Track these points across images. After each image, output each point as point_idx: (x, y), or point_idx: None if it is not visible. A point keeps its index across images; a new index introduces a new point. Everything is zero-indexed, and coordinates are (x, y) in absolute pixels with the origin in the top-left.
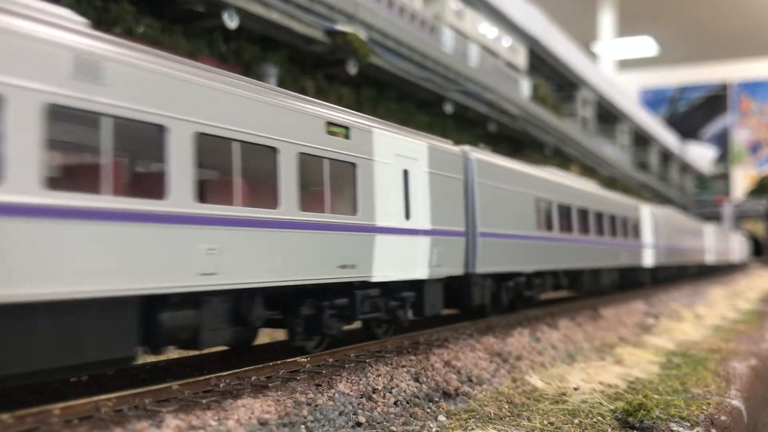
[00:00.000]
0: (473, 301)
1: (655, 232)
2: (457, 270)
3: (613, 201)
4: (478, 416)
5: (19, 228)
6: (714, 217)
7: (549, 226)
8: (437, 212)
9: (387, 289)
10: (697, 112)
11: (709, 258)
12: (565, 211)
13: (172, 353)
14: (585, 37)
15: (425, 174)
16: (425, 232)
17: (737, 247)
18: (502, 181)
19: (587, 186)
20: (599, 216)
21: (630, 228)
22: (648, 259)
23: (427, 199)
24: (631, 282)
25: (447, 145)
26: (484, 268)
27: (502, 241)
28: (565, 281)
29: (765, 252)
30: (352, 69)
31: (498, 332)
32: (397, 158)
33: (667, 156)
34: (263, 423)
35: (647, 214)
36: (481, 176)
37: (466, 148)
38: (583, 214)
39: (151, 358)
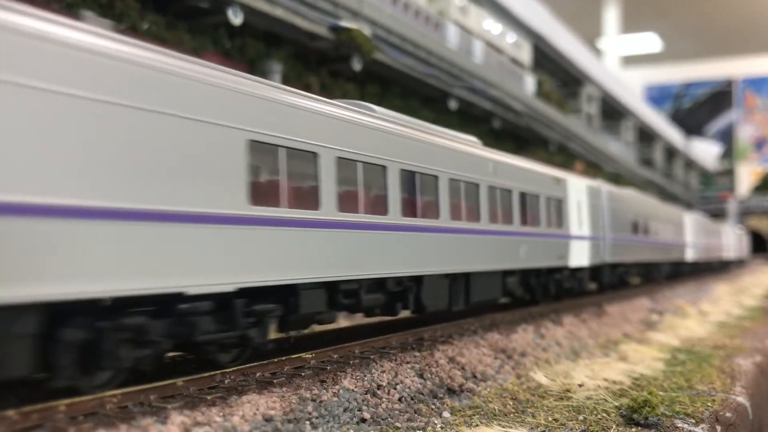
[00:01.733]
0: None
1: (593, 217)
2: None
3: (508, 167)
4: (482, 412)
5: None
6: (719, 213)
7: (303, 199)
8: None
9: None
10: (701, 108)
11: (692, 255)
12: (369, 176)
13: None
14: (589, 34)
15: None
16: None
17: (733, 243)
18: (93, 87)
19: (447, 140)
20: (472, 189)
21: (547, 211)
22: (580, 257)
23: None
24: (550, 291)
25: None
26: None
27: (70, 224)
28: (373, 299)
29: None
30: (357, 65)
31: (502, 329)
32: None
33: (671, 152)
34: (268, 419)
35: (581, 191)
36: None
37: None
38: (427, 183)
39: None
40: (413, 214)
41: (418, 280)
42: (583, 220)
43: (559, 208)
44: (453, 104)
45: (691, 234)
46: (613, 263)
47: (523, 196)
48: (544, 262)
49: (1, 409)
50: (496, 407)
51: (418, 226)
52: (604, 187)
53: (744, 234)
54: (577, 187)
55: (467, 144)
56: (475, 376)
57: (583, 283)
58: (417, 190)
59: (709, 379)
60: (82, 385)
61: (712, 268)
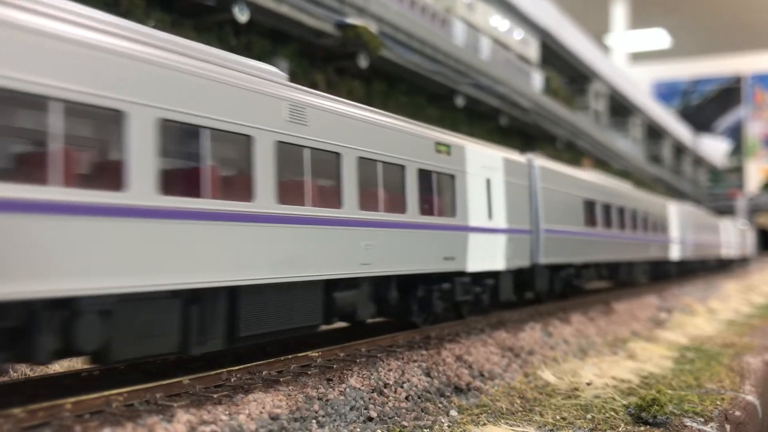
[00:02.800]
0: None
1: (515, 203)
2: None
3: (331, 117)
4: (489, 411)
5: None
6: (728, 210)
7: None
8: None
9: None
10: (710, 104)
11: (679, 252)
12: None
13: None
14: (597, 30)
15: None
16: None
17: (734, 239)
18: None
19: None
20: (234, 144)
21: (419, 190)
22: (489, 258)
23: None
24: (434, 308)
25: None
26: None
27: None
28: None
29: None
30: (363, 62)
31: (510, 327)
32: None
33: (680, 149)
34: (274, 418)
35: (492, 166)
36: None
37: None
38: (90, 124)
39: None
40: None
41: (63, 304)
42: (497, 207)
43: (448, 188)
44: (460, 101)
45: (678, 228)
46: (553, 265)
47: (368, 164)
48: (415, 266)
49: (7, 407)
50: (503, 406)
51: (57, 204)
52: (538, 162)
53: (748, 229)
54: (484, 160)
55: (229, 66)
56: (482, 375)
57: (501, 294)
58: (56, 137)
59: (718, 377)
60: None
61: (708, 268)
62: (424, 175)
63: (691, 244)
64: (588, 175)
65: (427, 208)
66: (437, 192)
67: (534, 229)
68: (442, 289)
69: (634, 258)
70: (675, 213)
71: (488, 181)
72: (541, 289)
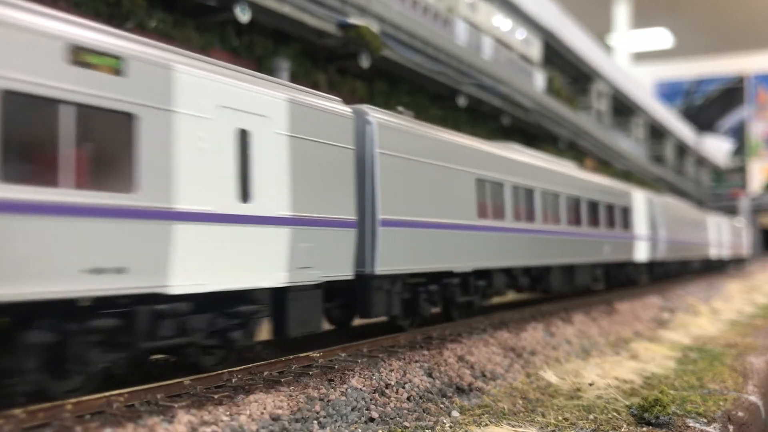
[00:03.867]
0: None
1: (302, 172)
2: None
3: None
4: (491, 411)
5: None
6: (730, 210)
7: None
8: None
9: None
10: (713, 104)
11: (648, 252)
12: None
13: None
14: (600, 30)
15: None
16: None
17: (727, 238)
18: None
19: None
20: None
21: (59, 135)
22: (249, 268)
23: None
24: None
25: None
26: None
27: None
28: None
29: None
30: (365, 62)
31: (512, 327)
32: None
33: (682, 149)
34: (275, 418)
35: (263, 112)
36: None
37: None
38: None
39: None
40: None
41: None
42: (265, 180)
43: (116, 137)
44: (462, 101)
45: (647, 222)
46: (408, 274)
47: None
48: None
49: (8, 408)
50: (505, 406)
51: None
52: (376, 115)
53: (744, 227)
54: (232, 96)
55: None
56: (484, 375)
57: (290, 326)
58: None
59: (720, 377)
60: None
61: (691, 271)
62: (23, 105)
63: (666, 242)
64: (488, 145)
65: (32, 171)
66: (75, 142)
67: (366, 220)
68: (105, 329)
69: (574, 261)
70: (643, 204)
71: (242, 135)
72: (383, 311)
